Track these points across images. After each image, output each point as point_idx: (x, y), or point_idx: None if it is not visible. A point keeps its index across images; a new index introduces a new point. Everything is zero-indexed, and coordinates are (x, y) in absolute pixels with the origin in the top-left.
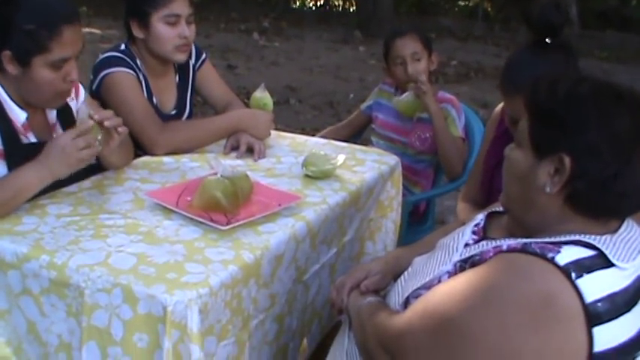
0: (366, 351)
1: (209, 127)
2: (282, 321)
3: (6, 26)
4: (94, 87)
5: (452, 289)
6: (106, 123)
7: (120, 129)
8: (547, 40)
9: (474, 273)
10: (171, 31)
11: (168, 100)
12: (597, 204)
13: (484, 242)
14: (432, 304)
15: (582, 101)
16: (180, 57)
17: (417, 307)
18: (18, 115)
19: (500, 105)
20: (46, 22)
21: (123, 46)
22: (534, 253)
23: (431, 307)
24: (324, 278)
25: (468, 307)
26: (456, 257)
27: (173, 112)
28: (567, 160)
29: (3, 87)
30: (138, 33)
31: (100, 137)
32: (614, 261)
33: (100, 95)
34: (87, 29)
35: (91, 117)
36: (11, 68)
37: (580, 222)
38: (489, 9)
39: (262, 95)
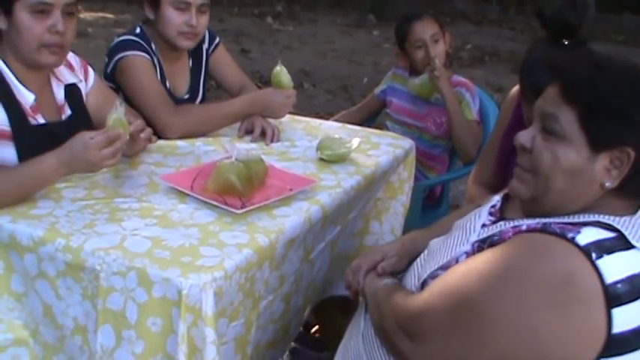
0: (382, 332)
1: (222, 111)
2: (289, 300)
3: None
4: (108, 69)
5: (471, 268)
6: (143, 136)
7: (153, 139)
8: (564, 41)
9: (493, 252)
10: (179, 17)
11: (181, 85)
12: None
13: (502, 222)
14: (450, 284)
15: None
16: (185, 43)
17: (435, 286)
18: (26, 97)
19: (516, 88)
20: None
21: (138, 30)
22: (554, 233)
23: (449, 287)
24: (326, 255)
25: (486, 286)
26: (474, 238)
27: (186, 97)
28: (632, 154)
29: (10, 69)
30: (149, 13)
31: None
32: (633, 242)
33: (114, 78)
34: (100, 14)
35: (128, 121)
36: (0, 21)
37: (610, 205)
38: None
39: (277, 71)
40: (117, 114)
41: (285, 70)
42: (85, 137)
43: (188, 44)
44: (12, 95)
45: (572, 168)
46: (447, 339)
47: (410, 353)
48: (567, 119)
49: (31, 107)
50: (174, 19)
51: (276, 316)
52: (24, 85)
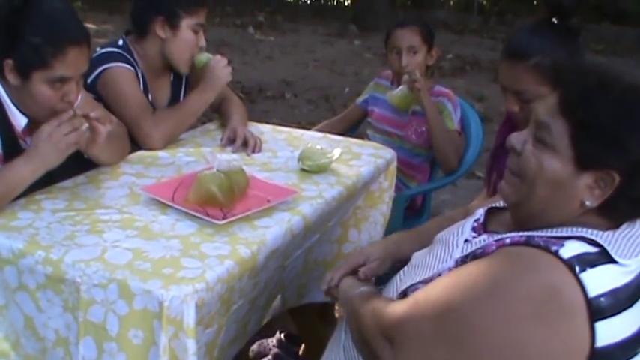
0: (360, 339)
1: (190, 108)
2: (254, 301)
3: (13, 36)
4: (89, 80)
5: (456, 279)
6: (92, 115)
7: (107, 124)
8: (553, 19)
9: (477, 265)
10: (194, 40)
11: (162, 98)
12: (626, 215)
13: (485, 236)
14: (434, 294)
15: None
16: (187, 69)
17: (420, 295)
18: (19, 121)
19: None
20: (53, 39)
21: (121, 42)
22: (538, 246)
23: (434, 296)
24: (300, 260)
25: (472, 298)
26: (457, 254)
27: None
28: (617, 179)
29: (6, 92)
30: (160, 31)
31: (85, 125)
32: (616, 258)
33: (95, 89)
34: None
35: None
36: (12, 77)
37: (592, 222)
38: (485, 2)
39: (196, 62)
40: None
41: (198, 56)
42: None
43: (188, 69)
44: (6, 118)
45: (555, 179)
46: (430, 349)
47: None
48: (559, 131)
49: (22, 131)
50: (191, 42)
51: (240, 316)
52: (18, 109)
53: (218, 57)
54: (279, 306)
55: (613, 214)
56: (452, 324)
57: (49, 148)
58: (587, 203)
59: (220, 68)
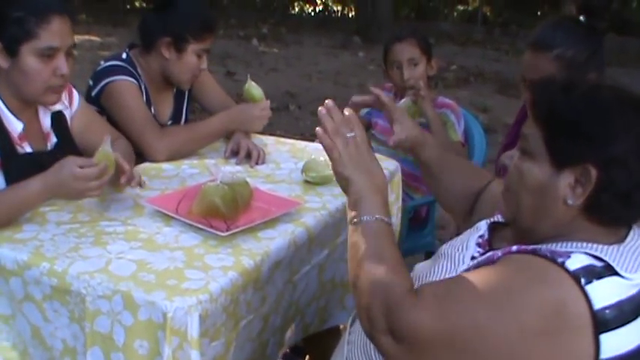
0: (356, 293)
1: (205, 130)
2: (267, 319)
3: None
4: (93, 93)
5: (468, 289)
6: (127, 169)
7: (133, 183)
8: (581, 18)
9: (488, 274)
10: (197, 63)
11: (165, 110)
12: (616, 215)
13: (491, 253)
14: (448, 304)
15: (606, 110)
16: (188, 86)
17: (431, 302)
18: (15, 126)
19: None
20: (35, 9)
21: (125, 55)
22: (545, 257)
23: (449, 307)
24: (312, 277)
25: (485, 309)
26: (462, 268)
27: (169, 123)
28: (593, 172)
29: (0, 97)
30: (165, 52)
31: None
32: (621, 272)
33: (99, 101)
34: (86, 37)
35: (115, 160)
36: (1, 60)
37: (590, 231)
38: (488, 13)
39: (247, 87)
40: (104, 148)
41: (254, 84)
42: (73, 167)
43: (189, 87)
44: (1, 123)
45: (535, 184)
46: (440, 356)
47: (392, 352)
48: (535, 138)
49: (18, 136)
50: (194, 65)
51: (254, 334)
52: (13, 114)
53: (268, 103)
54: (300, 332)
55: (603, 216)
56: (464, 334)
57: (70, 191)
58: (570, 202)
59: (262, 116)
